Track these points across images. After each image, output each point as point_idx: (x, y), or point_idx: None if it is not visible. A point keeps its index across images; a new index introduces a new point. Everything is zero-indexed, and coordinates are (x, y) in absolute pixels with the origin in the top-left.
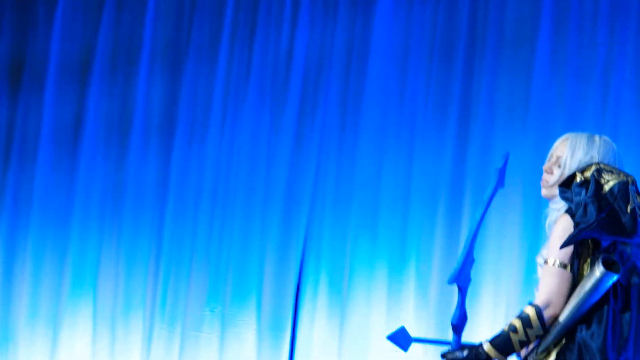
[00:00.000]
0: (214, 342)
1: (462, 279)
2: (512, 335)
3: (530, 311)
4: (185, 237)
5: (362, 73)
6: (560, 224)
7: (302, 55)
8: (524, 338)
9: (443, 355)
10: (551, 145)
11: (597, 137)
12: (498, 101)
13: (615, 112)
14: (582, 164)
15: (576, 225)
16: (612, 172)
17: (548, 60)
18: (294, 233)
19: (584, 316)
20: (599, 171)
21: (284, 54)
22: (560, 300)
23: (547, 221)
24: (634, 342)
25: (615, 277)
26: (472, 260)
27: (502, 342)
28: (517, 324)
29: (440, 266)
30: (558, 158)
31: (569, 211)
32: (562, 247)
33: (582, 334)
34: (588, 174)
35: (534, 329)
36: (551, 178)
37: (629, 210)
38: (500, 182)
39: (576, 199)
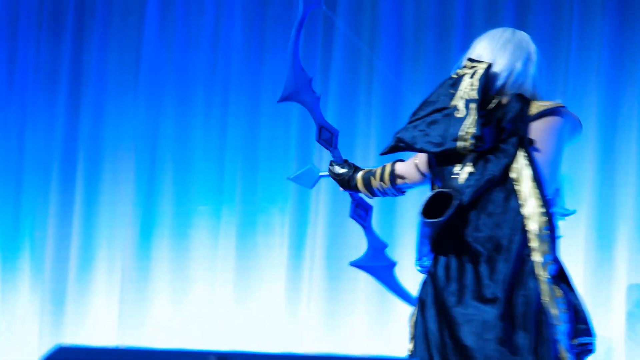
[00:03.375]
0: None
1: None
2: (372, 179)
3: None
4: None
5: None
6: None
7: None
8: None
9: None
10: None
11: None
12: (109, 69)
13: (225, 77)
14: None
15: None
16: None
17: (157, 28)
18: None
19: None
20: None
21: None
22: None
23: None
24: None
25: None
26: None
27: (366, 180)
28: (378, 171)
29: (55, 238)
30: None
31: None
32: None
33: None
34: None
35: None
36: None
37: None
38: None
39: None
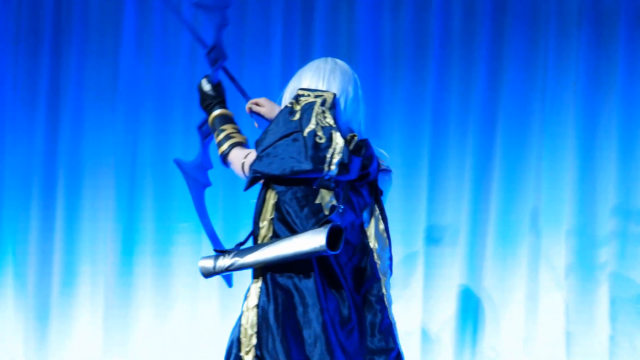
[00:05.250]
0: None
1: None
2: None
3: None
4: None
5: None
6: None
7: None
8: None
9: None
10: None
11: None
12: (87, 84)
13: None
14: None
15: None
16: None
17: (134, 43)
18: None
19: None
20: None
21: None
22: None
23: None
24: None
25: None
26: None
27: (219, 122)
28: (228, 127)
29: (37, 254)
30: None
31: None
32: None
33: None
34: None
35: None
36: None
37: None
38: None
39: None
